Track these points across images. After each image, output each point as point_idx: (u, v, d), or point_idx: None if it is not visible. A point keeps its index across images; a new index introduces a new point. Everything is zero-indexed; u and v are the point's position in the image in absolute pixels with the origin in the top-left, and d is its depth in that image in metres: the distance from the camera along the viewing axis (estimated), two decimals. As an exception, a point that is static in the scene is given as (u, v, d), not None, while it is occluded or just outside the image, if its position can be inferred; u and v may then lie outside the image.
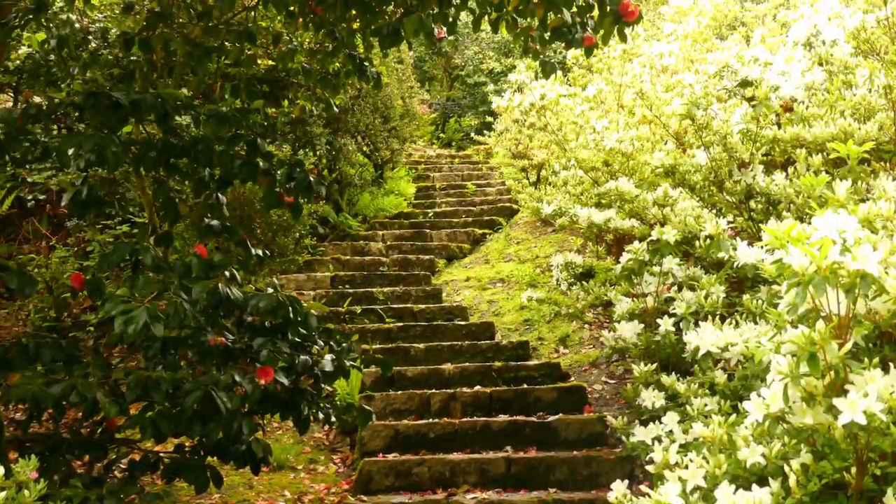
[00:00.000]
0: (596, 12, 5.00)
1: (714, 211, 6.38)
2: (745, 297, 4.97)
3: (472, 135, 18.36)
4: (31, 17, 5.18)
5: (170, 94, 4.63)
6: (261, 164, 4.85)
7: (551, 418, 6.62)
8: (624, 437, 5.45)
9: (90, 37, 8.20)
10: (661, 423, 4.48)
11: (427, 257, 11.70)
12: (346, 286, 10.62)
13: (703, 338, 4.34)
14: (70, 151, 4.37)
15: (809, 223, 2.85)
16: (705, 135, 6.29)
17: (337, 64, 6.22)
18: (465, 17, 5.51)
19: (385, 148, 14.45)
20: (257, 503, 6.02)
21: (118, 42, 5.70)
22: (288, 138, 11.54)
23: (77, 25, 7.67)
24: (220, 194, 5.10)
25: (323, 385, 4.99)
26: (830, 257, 2.73)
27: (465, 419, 6.78)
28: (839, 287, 2.78)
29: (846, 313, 2.94)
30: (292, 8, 5.62)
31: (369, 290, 10.31)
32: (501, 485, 6.06)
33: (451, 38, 6.23)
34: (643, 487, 3.57)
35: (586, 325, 8.91)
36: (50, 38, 6.06)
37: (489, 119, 16.21)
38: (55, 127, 5.00)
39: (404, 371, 7.75)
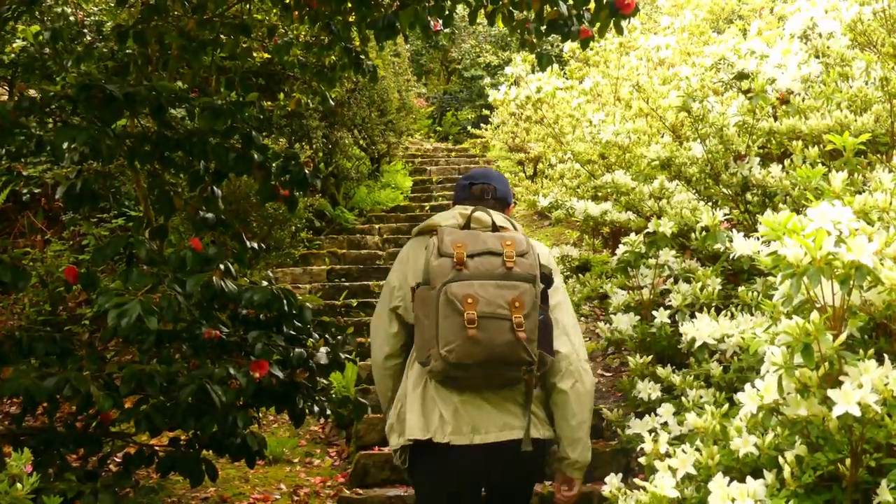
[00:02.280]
0: (592, 4, 4.99)
1: (710, 203, 6.37)
2: (741, 288, 4.97)
3: (469, 128, 18.37)
4: (23, 9, 5.16)
5: (164, 87, 4.62)
6: (256, 157, 4.84)
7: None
8: (619, 430, 5.45)
9: (85, 30, 8.19)
10: (656, 415, 4.48)
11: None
12: (343, 279, 10.61)
13: (699, 329, 4.34)
14: (64, 145, 4.36)
15: (805, 215, 2.85)
16: (701, 127, 6.28)
17: (333, 57, 6.21)
18: (461, 10, 5.51)
19: (381, 141, 14.44)
20: (253, 496, 6.01)
21: (113, 35, 5.68)
22: (284, 132, 11.54)
23: (72, 18, 7.67)
24: (215, 187, 5.09)
25: (318, 378, 4.99)
26: (825, 248, 2.72)
27: (461, 412, 6.76)
28: (834, 278, 2.78)
29: (841, 304, 2.94)
30: (287, 1, 5.61)
31: (365, 283, 10.29)
32: (497, 478, 6.06)
33: (447, 31, 6.23)
34: (637, 480, 3.57)
35: (583, 318, 8.90)
36: (44, 30, 6.04)
37: (486, 112, 16.22)
38: (51, 120, 4.98)
39: (401, 364, 7.75)
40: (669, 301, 5.47)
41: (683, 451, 3.42)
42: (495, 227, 3.55)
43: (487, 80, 20.31)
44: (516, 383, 3.43)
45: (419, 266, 3.49)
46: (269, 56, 8.73)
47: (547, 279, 3.56)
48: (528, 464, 3.52)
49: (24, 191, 9.13)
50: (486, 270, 3.33)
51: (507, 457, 3.44)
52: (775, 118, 6.22)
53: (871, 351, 2.84)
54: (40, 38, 7.09)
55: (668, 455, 3.51)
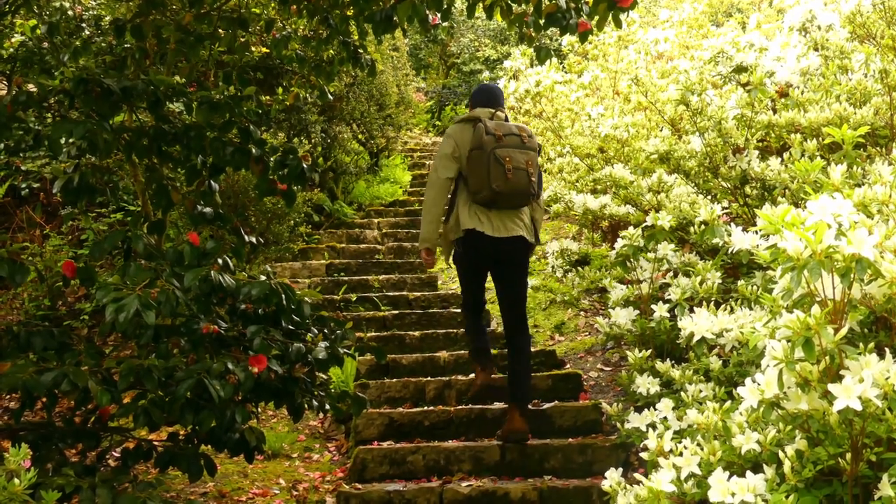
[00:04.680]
0: (591, -2, 4.99)
1: (709, 197, 6.37)
2: (740, 282, 4.96)
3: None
4: (21, 3, 5.15)
5: (161, 81, 4.60)
6: (254, 151, 4.83)
7: (546, 406, 6.59)
8: (619, 424, 5.45)
9: (83, 24, 8.17)
10: (655, 409, 4.48)
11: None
12: (342, 274, 10.60)
13: (698, 324, 4.33)
14: (62, 139, 4.34)
15: (805, 208, 2.84)
16: (700, 120, 6.28)
17: (331, 51, 6.20)
18: (459, 3, 5.51)
19: (380, 136, 14.41)
20: (252, 491, 6.00)
21: (111, 29, 5.66)
22: (282, 126, 11.51)
23: (70, 12, 7.65)
24: (212, 182, 5.07)
25: (317, 373, 4.97)
26: (825, 241, 2.71)
27: (459, 407, 6.75)
28: (834, 271, 2.77)
29: (841, 298, 2.93)
30: (285, -6, 5.60)
31: (364, 277, 10.29)
32: (496, 472, 6.03)
33: (445, 24, 6.23)
34: (637, 476, 3.56)
35: (582, 313, 8.89)
36: (41, 24, 6.03)
37: (485, 107, 16.14)
38: (49, 115, 4.97)
39: (399, 359, 7.74)
40: (669, 295, 5.46)
41: (685, 447, 3.41)
42: (506, 119, 6.13)
43: (486, 74, 20.28)
44: (524, 206, 5.98)
45: (466, 138, 5.93)
46: (267, 50, 8.72)
47: (540, 151, 6.14)
48: (522, 249, 6.04)
49: (23, 185, 9.12)
50: (513, 143, 5.86)
51: (511, 244, 5.94)
52: (774, 111, 6.21)
53: (872, 345, 2.84)
54: (38, 31, 7.08)
55: (671, 452, 3.51)
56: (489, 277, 6.33)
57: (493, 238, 5.90)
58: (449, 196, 6.10)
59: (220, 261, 4.55)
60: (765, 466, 3.13)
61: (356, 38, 6.00)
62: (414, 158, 16.23)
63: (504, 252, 5.99)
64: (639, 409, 4.85)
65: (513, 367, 6.12)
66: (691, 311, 4.68)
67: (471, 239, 5.94)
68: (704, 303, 4.81)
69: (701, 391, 4.55)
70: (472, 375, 7.23)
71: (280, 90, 9.38)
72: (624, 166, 7.14)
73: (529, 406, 6.29)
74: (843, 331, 2.82)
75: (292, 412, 4.86)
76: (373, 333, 8.36)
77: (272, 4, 6.85)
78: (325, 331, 5.00)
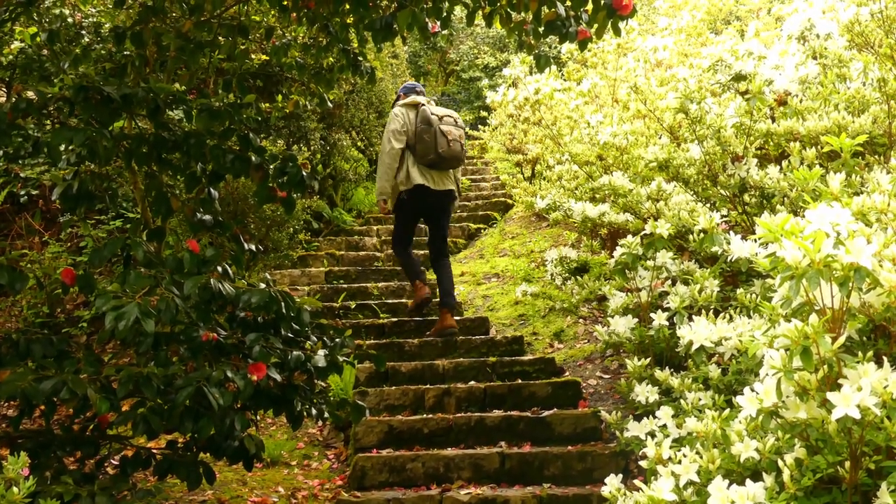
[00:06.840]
0: (590, 6, 4.99)
1: (708, 205, 6.37)
2: (739, 291, 4.96)
3: (467, 130, 18.32)
4: (21, 10, 5.15)
5: (161, 89, 4.61)
6: (253, 158, 4.83)
7: (545, 413, 6.59)
8: (618, 432, 5.44)
9: (83, 31, 8.18)
10: (654, 417, 4.48)
11: (422, 252, 11.63)
12: (341, 281, 10.59)
13: (697, 332, 4.33)
14: (61, 146, 4.34)
15: (803, 216, 2.85)
16: (699, 129, 6.28)
17: (331, 59, 6.21)
18: (459, 11, 5.50)
19: (379, 143, 14.41)
20: (251, 499, 6.00)
21: (110, 36, 5.67)
22: (282, 133, 11.52)
23: (69, 20, 7.66)
24: (212, 189, 5.07)
25: (316, 381, 4.97)
26: (824, 250, 2.72)
27: (459, 414, 6.75)
28: (833, 280, 2.78)
29: (840, 307, 2.94)
30: (285, 2, 5.60)
31: (364, 285, 10.27)
32: (495, 480, 6.04)
33: (444, 32, 6.28)
34: (637, 482, 3.56)
35: (581, 320, 8.89)
36: (41, 32, 6.03)
37: (484, 114, 16.19)
38: (49, 122, 4.97)
39: (398, 366, 7.73)
40: (667, 303, 5.46)
41: (684, 455, 3.41)
42: (434, 105, 8.37)
43: (485, 81, 20.32)
44: (454, 168, 8.26)
45: (411, 118, 8.15)
46: (266, 57, 8.72)
47: (464, 129, 7.98)
48: (451, 200, 8.38)
49: (22, 192, 9.13)
50: (450, 122, 8.14)
51: (445, 196, 8.26)
52: (773, 119, 6.22)
53: (870, 353, 2.84)
54: (38, 39, 7.09)
55: (670, 460, 3.51)
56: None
57: (434, 190, 8.12)
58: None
59: (219, 268, 4.55)
60: (764, 474, 3.13)
61: (356, 45, 6.02)
62: (413, 165, 16.18)
63: (439, 201, 8.24)
64: (638, 417, 4.85)
65: (442, 284, 8.23)
66: (690, 319, 4.68)
67: (417, 190, 8.08)
68: (703, 311, 4.81)
69: (700, 399, 4.55)
70: (472, 383, 7.25)
71: (280, 97, 9.39)
72: (623, 174, 7.15)
73: (530, 414, 6.70)
74: (842, 339, 2.82)
75: (291, 420, 4.86)
76: (372, 341, 8.36)
77: (272, 12, 6.87)
78: (325, 338, 5.00)
